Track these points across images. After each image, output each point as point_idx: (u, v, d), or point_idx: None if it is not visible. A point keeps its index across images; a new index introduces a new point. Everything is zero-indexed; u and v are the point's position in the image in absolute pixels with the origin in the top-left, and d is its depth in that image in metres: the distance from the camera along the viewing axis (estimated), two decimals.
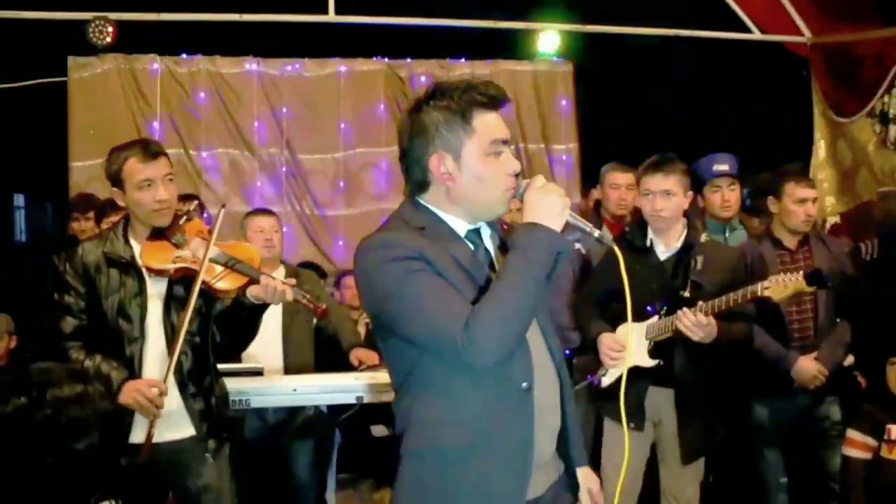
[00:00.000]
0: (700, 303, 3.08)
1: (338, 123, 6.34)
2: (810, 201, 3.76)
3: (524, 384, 1.89)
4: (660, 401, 3.31)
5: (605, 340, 3.29)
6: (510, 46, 6.69)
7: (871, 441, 3.44)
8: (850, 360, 4.08)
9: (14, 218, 9.98)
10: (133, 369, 2.80)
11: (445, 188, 1.91)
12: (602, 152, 6.55)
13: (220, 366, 3.78)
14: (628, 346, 3.16)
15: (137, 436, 2.79)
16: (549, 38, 6.56)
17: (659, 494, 3.43)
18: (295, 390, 3.83)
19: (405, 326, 1.84)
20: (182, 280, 2.81)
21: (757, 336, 3.75)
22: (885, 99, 5.65)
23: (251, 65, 6.25)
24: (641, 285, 3.16)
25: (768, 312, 3.73)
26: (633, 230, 3.51)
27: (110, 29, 5.83)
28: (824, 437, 3.79)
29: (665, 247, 3.35)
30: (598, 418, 3.56)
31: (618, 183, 4.30)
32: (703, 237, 3.42)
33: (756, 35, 6.64)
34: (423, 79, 6.48)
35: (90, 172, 5.73)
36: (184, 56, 6.19)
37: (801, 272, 3.02)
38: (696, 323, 3.03)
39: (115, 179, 2.81)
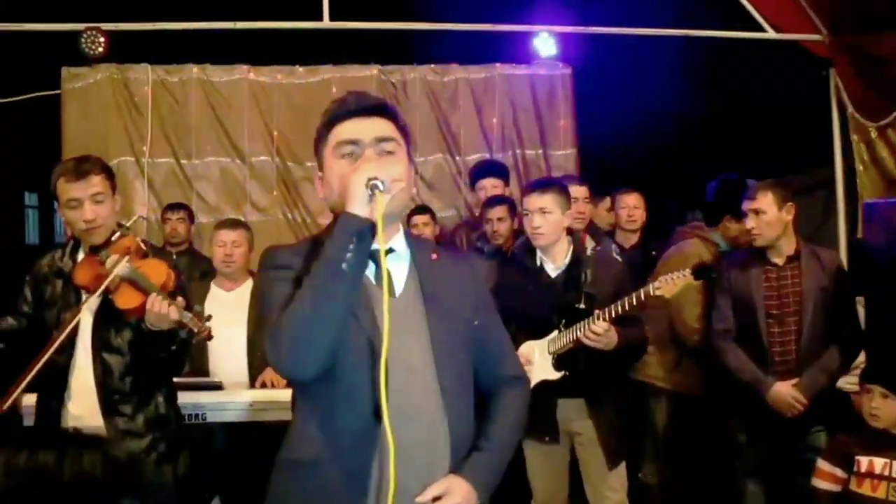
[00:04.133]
0: (597, 311, 3.21)
1: None
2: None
3: (370, 410, 1.78)
4: (571, 412, 3.42)
5: None
6: (506, 50, 6.54)
7: (839, 473, 3.21)
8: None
9: (27, 219, 10.12)
10: (63, 379, 2.84)
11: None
12: (602, 159, 6.45)
13: (177, 379, 3.81)
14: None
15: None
16: (546, 40, 6.39)
17: None
18: (251, 405, 3.81)
19: None
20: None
21: (732, 357, 3.66)
22: None
23: (242, 73, 6.22)
24: (536, 303, 3.38)
25: (748, 332, 3.66)
26: (522, 252, 3.59)
27: (102, 39, 5.84)
28: (808, 469, 3.58)
29: (553, 264, 3.48)
30: None
31: (576, 196, 4.19)
32: (589, 251, 3.54)
33: (770, 34, 6.41)
34: (416, 84, 6.40)
35: None
36: (175, 65, 6.19)
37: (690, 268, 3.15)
38: (597, 331, 3.15)
39: (54, 197, 2.87)
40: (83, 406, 2.86)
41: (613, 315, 3.18)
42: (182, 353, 2.96)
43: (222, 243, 4.25)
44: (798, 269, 3.62)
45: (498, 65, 6.55)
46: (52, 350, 2.74)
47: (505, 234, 4.65)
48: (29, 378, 2.71)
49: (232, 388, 4.01)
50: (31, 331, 2.94)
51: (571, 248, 3.47)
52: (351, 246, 1.70)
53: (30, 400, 3.37)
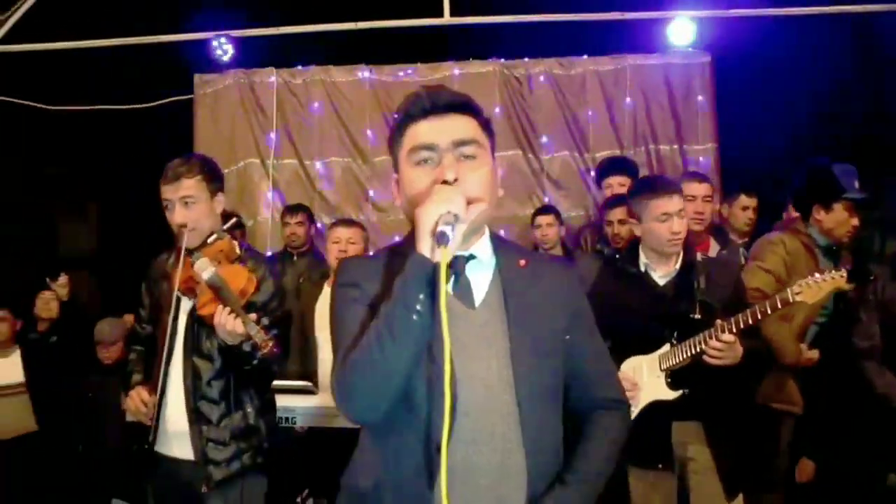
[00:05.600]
0: (719, 322, 2.78)
1: None
2: None
3: (437, 436, 1.59)
4: (686, 435, 3.00)
5: None
6: (638, 39, 6.13)
7: None
8: None
9: None
10: (161, 381, 2.82)
11: None
12: (744, 153, 5.90)
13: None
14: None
15: (160, 446, 2.84)
16: (682, 26, 5.96)
17: None
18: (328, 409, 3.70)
19: None
20: None
21: (880, 380, 3.20)
22: None
23: (364, 72, 6.20)
24: (642, 314, 2.97)
25: None
26: (624, 256, 3.18)
27: (230, 46, 6.07)
28: None
29: (662, 271, 3.06)
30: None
31: (693, 194, 3.82)
32: (699, 255, 3.08)
33: None
34: (541, 79, 6.14)
35: None
36: (299, 67, 6.26)
37: (843, 268, 2.69)
38: (725, 341, 2.75)
39: None
40: (175, 409, 2.82)
41: (742, 326, 2.77)
42: (266, 367, 2.82)
43: (337, 240, 4.20)
44: None
45: (629, 55, 6.17)
46: (164, 356, 2.77)
47: (627, 236, 4.34)
48: (161, 383, 2.76)
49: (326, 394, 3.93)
50: (152, 337, 2.97)
51: (681, 252, 3.07)
52: (422, 296, 1.55)
53: None
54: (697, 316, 2.92)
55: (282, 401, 3.63)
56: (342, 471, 3.58)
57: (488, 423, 1.65)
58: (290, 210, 5.55)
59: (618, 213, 4.39)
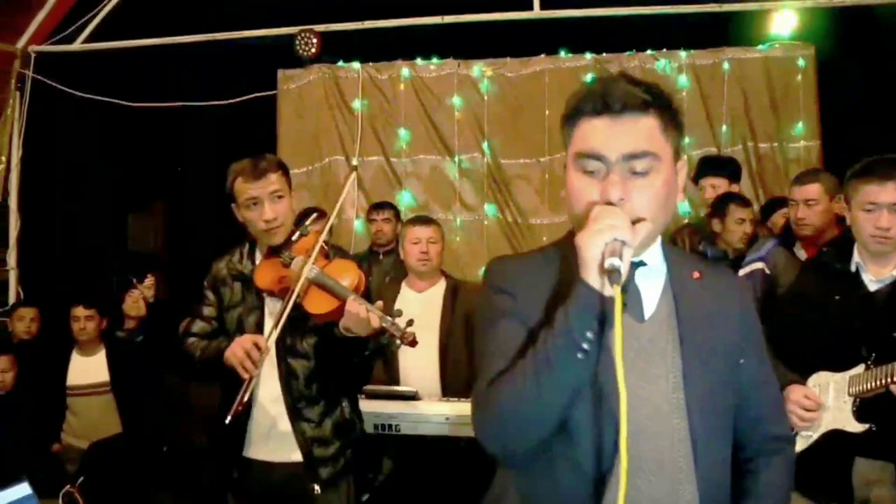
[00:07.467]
0: None
1: (543, 125, 5.91)
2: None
3: (594, 469, 1.45)
4: (872, 474, 2.55)
5: (795, 394, 2.56)
6: (737, 31, 5.88)
7: None
8: None
9: None
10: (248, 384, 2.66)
11: None
12: (850, 151, 5.59)
13: (372, 387, 3.64)
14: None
15: (251, 451, 2.74)
16: (784, 18, 5.71)
17: None
18: (447, 419, 3.55)
19: None
20: None
21: None
22: None
23: (451, 67, 6.05)
24: (842, 323, 2.54)
25: None
26: (833, 251, 2.75)
27: (315, 40, 6.00)
28: None
29: (876, 275, 2.59)
30: None
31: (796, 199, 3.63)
32: None
33: None
34: (636, 74, 5.90)
35: (296, 180, 5.82)
36: (385, 62, 6.15)
37: None
38: None
39: (231, 197, 2.78)
40: (269, 413, 2.73)
41: None
42: (374, 358, 2.77)
43: (417, 240, 4.01)
44: None
45: (727, 48, 5.89)
46: (264, 360, 2.57)
47: (744, 237, 4.17)
48: (250, 386, 2.54)
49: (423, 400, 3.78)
50: (219, 333, 2.85)
51: None
52: (589, 333, 1.36)
53: None
54: None
55: (383, 407, 3.55)
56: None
57: (656, 449, 1.48)
58: (377, 207, 5.43)
59: (738, 213, 4.23)
